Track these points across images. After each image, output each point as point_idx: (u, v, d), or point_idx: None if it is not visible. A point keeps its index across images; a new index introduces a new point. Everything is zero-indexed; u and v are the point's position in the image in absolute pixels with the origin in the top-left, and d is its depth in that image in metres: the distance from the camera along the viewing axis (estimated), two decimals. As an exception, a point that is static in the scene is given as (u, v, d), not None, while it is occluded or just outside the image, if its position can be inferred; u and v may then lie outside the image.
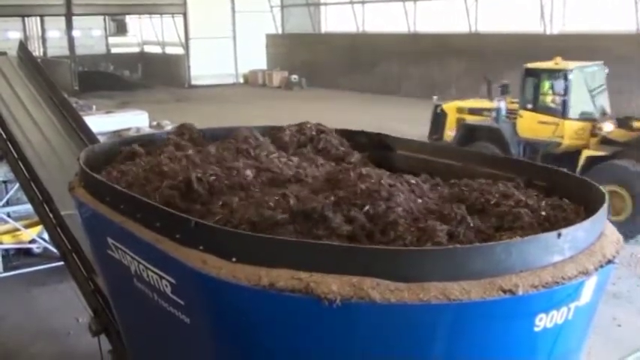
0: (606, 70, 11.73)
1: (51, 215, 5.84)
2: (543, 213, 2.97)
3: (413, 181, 3.29)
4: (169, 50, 36.26)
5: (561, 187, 3.33)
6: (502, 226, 2.89)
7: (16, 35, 30.74)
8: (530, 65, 11.96)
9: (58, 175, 6.23)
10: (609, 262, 2.68)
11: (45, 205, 5.95)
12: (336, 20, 32.44)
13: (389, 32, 28.53)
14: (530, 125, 11.44)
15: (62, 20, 30.22)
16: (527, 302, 2.44)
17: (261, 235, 2.72)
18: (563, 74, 11.16)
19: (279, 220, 2.81)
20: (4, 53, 9.80)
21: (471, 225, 2.81)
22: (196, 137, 4.53)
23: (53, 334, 7.00)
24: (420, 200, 3.04)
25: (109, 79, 32.81)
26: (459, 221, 2.80)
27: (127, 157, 4.15)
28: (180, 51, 33.44)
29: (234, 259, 2.58)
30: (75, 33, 30.82)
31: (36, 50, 33.24)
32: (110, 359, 4.67)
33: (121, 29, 41.26)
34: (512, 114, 11.90)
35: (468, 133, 12.21)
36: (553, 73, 11.42)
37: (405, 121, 19.01)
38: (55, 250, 6.76)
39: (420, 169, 3.79)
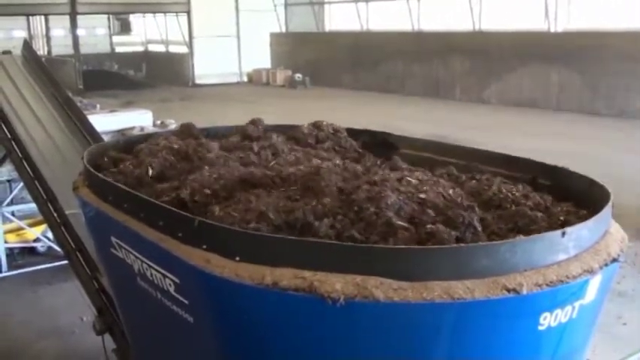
0: None
1: (55, 214, 5.85)
2: (562, 218, 2.93)
3: (424, 176, 3.27)
4: (173, 49, 36.32)
5: (566, 185, 3.33)
6: (515, 229, 2.84)
7: (20, 34, 30.80)
8: None
9: (62, 174, 6.23)
10: (614, 260, 2.67)
11: (49, 204, 5.96)
12: (339, 19, 32.45)
13: (393, 31, 28.52)
14: None
15: (66, 19, 30.34)
16: (532, 301, 2.43)
17: (264, 234, 2.72)
18: None
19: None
20: (8, 52, 9.84)
21: (479, 229, 2.78)
22: (197, 137, 4.50)
23: (58, 332, 7.02)
24: (430, 201, 2.98)
25: (113, 78, 32.92)
26: (466, 226, 2.76)
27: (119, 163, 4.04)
28: (184, 50, 33.52)
29: (237, 258, 2.58)
30: (79, 32, 30.92)
31: (40, 49, 33.33)
32: (114, 358, 4.68)
33: (125, 28, 41.36)
34: None
35: None
36: None
37: (410, 120, 19.02)
38: (59, 249, 6.77)
39: (426, 168, 3.78)
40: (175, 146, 4.00)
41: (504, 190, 3.21)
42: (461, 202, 2.99)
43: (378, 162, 4.01)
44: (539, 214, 2.93)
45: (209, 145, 4.09)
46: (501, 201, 3.12)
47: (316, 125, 4.49)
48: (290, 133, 4.48)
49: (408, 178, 3.19)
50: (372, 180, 3.07)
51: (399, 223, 2.72)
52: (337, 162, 3.70)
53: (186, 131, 4.56)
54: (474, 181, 3.42)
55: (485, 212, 3.02)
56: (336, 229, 2.73)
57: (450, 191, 3.07)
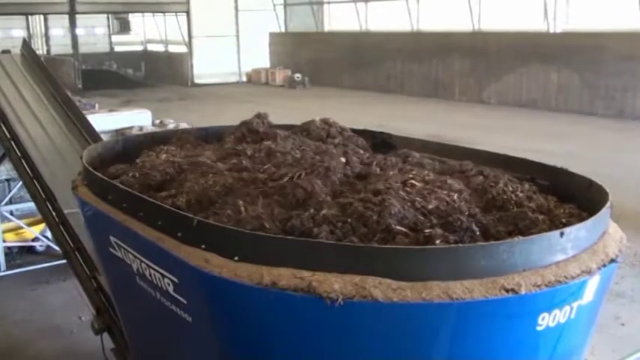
0: None
1: (54, 213, 5.84)
2: (563, 220, 2.92)
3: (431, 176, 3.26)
4: (172, 49, 36.27)
5: (565, 185, 3.33)
6: (515, 231, 2.81)
7: (19, 33, 30.75)
8: None
9: (60, 174, 6.23)
10: (612, 260, 2.67)
11: (48, 203, 5.96)
12: (339, 19, 32.40)
13: (392, 31, 28.50)
14: None
15: (66, 18, 30.31)
16: (530, 301, 2.44)
17: (263, 234, 2.72)
18: None
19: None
20: (7, 51, 9.83)
21: (477, 233, 2.77)
22: (193, 142, 4.49)
23: (56, 331, 7.00)
24: (431, 206, 2.95)
25: (113, 77, 32.86)
26: (464, 230, 2.75)
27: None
28: (183, 49, 33.47)
29: (236, 258, 2.58)
30: (78, 31, 30.90)
31: (39, 48, 33.29)
32: (113, 357, 4.68)
33: (125, 27, 41.29)
34: None
35: None
36: None
37: (409, 120, 19.02)
38: (57, 249, 6.77)
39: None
40: (175, 160, 3.95)
41: (509, 191, 3.19)
42: (464, 208, 2.95)
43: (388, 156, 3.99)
44: (541, 217, 2.92)
45: (205, 154, 4.07)
46: (504, 202, 3.11)
47: (325, 121, 4.50)
48: (302, 126, 4.48)
49: (413, 181, 3.17)
50: (377, 189, 3.04)
51: (398, 228, 2.72)
52: (343, 160, 3.67)
53: (184, 138, 4.56)
54: (481, 177, 3.41)
55: (487, 213, 3.02)
56: (337, 236, 2.71)
57: (455, 196, 3.05)
